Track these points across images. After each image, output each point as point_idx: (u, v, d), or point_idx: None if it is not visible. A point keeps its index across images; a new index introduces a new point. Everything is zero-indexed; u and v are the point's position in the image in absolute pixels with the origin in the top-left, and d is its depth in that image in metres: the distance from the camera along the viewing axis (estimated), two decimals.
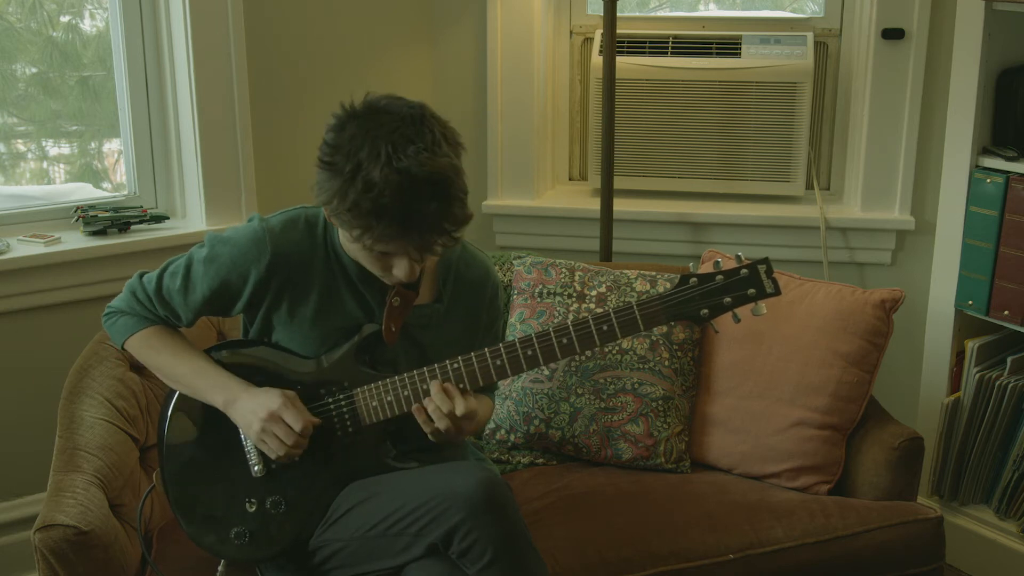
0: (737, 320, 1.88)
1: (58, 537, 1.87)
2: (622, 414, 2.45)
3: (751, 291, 1.86)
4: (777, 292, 1.87)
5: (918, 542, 2.25)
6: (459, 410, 1.85)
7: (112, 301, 2.04)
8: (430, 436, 1.92)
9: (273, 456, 1.90)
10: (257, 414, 1.88)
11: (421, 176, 1.70)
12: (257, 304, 1.95)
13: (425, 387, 1.89)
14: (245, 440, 1.94)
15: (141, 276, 2.01)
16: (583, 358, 2.47)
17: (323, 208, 1.82)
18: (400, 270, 1.82)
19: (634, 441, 2.44)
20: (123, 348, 2.02)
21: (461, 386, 1.89)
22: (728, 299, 1.86)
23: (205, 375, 1.94)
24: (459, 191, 1.75)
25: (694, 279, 1.87)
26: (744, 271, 1.86)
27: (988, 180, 2.65)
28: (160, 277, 1.98)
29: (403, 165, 1.69)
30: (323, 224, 1.95)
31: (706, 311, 1.86)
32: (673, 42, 3.09)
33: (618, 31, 2.86)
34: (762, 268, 1.86)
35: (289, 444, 1.87)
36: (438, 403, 1.86)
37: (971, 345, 2.77)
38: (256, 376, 1.95)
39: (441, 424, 1.87)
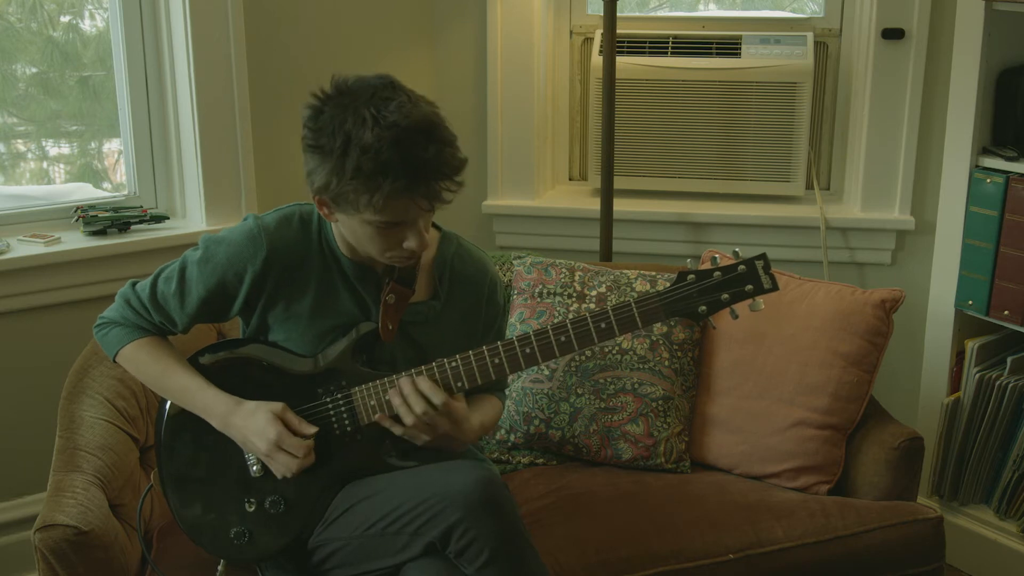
0: (735, 316, 1.88)
1: (58, 537, 1.87)
2: (622, 414, 2.44)
3: (749, 287, 1.85)
4: (775, 288, 1.86)
5: (918, 542, 2.25)
6: (437, 400, 1.84)
7: (104, 312, 2.03)
8: (415, 439, 1.91)
9: (280, 475, 1.91)
10: (257, 447, 1.89)
11: (410, 125, 1.73)
12: (253, 303, 1.95)
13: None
14: None
15: (134, 284, 2.00)
16: (583, 358, 2.47)
17: (317, 198, 1.82)
18: (413, 240, 1.82)
19: (634, 441, 2.44)
20: (115, 360, 2.01)
21: (459, 384, 1.89)
22: (726, 295, 1.85)
23: (192, 395, 1.94)
24: (449, 135, 1.78)
25: (692, 276, 1.86)
26: (741, 267, 1.85)
27: (988, 180, 2.65)
28: (154, 283, 1.97)
29: (391, 120, 1.72)
30: (318, 221, 1.95)
31: (704, 308, 1.86)
32: (673, 42, 3.09)
33: (618, 31, 2.86)
34: (759, 264, 1.86)
35: (295, 471, 1.88)
36: (405, 396, 1.85)
37: (971, 345, 2.77)
38: (253, 376, 1.95)
39: (407, 419, 1.85)
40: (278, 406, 1.89)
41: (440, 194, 1.77)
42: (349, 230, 1.86)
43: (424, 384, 1.86)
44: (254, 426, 1.88)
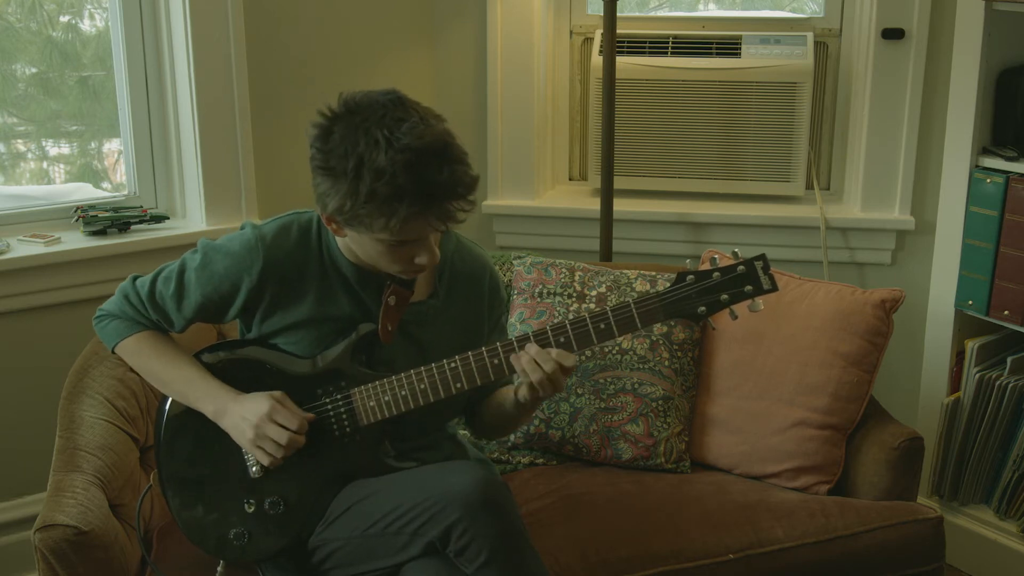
0: (735, 317, 1.88)
1: (58, 537, 1.88)
2: (622, 414, 2.44)
3: (748, 288, 1.85)
4: (774, 288, 1.86)
5: (918, 542, 2.25)
6: (568, 362, 1.84)
7: (103, 304, 2.03)
8: (522, 397, 1.89)
9: (267, 461, 1.88)
10: (248, 420, 1.86)
11: (424, 147, 1.71)
12: (252, 310, 1.95)
13: (423, 386, 1.89)
14: None
15: (134, 280, 2.00)
16: (583, 358, 2.47)
17: (326, 217, 1.81)
18: (424, 256, 1.81)
19: (634, 441, 2.44)
20: (114, 352, 2.01)
21: (458, 385, 1.87)
22: (725, 296, 1.85)
23: (194, 384, 1.93)
24: (461, 153, 1.76)
25: (691, 276, 1.86)
26: (741, 268, 1.85)
27: (988, 180, 2.65)
28: (153, 282, 1.97)
29: (404, 143, 1.70)
30: (317, 229, 1.94)
31: (703, 308, 1.86)
32: (673, 42, 3.09)
33: (618, 31, 2.86)
34: (759, 264, 1.86)
35: (284, 444, 1.85)
36: (540, 361, 1.83)
37: (971, 345, 2.77)
38: (252, 376, 1.94)
39: (535, 376, 1.83)
40: (277, 393, 1.89)
41: (454, 214, 1.77)
42: (359, 246, 1.86)
43: (554, 351, 1.85)
44: (249, 404, 1.87)
